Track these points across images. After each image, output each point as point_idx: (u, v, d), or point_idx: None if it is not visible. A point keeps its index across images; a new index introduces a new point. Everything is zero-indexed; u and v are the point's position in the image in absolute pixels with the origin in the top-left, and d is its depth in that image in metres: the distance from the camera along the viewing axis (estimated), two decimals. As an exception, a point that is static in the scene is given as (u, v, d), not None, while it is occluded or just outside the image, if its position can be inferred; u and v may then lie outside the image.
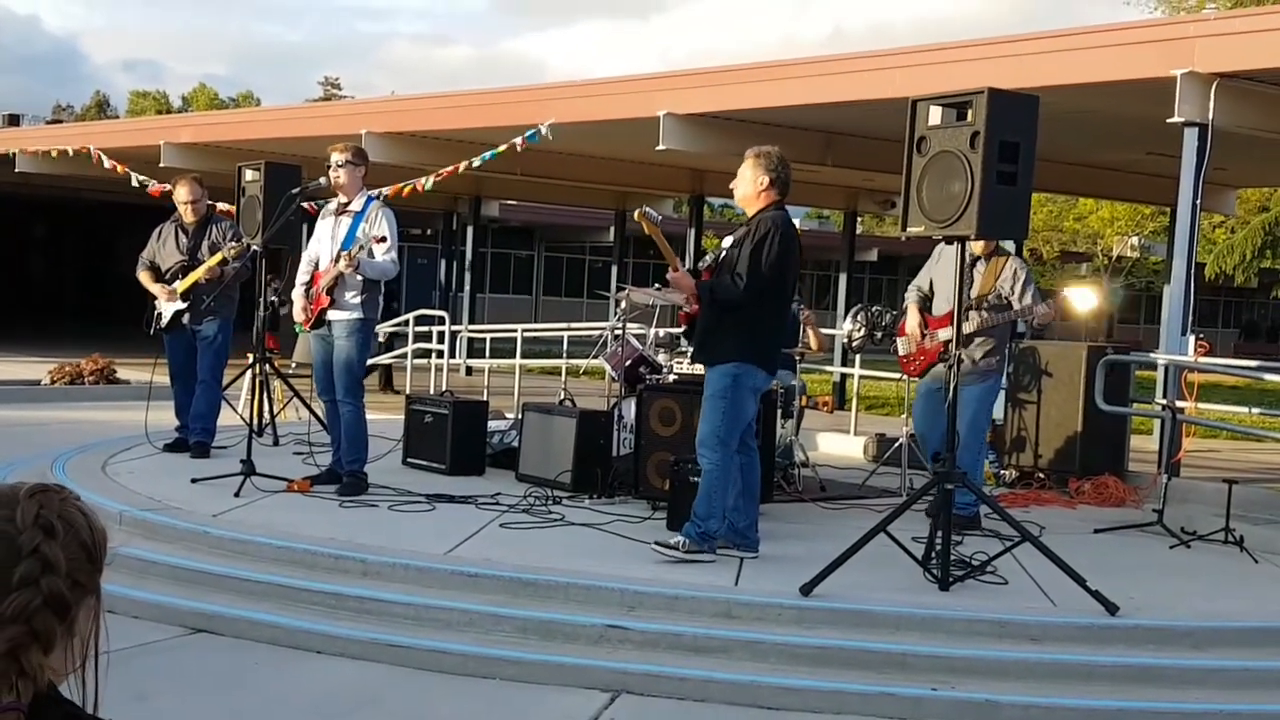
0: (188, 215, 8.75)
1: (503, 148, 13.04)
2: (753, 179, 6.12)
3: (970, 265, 7.17)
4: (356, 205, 7.50)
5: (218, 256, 8.47)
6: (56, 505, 1.60)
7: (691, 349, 6.71)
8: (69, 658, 1.59)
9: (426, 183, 14.05)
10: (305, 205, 7.82)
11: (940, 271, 7.57)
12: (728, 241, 6.23)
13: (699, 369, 6.54)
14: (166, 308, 8.65)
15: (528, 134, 12.72)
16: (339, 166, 7.44)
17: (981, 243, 7.13)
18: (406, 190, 14.22)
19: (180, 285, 8.60)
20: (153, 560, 6.08)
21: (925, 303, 7.69)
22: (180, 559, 6.13)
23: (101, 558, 1.63)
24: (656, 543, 6.09)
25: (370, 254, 7.25)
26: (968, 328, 7.04)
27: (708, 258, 6.47)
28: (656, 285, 8.55)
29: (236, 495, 7.13)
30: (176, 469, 8.00)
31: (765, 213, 6.09)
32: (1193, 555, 7.01)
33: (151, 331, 8.75)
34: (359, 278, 7.34)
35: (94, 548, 1.62)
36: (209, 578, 5.92)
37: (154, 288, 8.69)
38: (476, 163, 13.49)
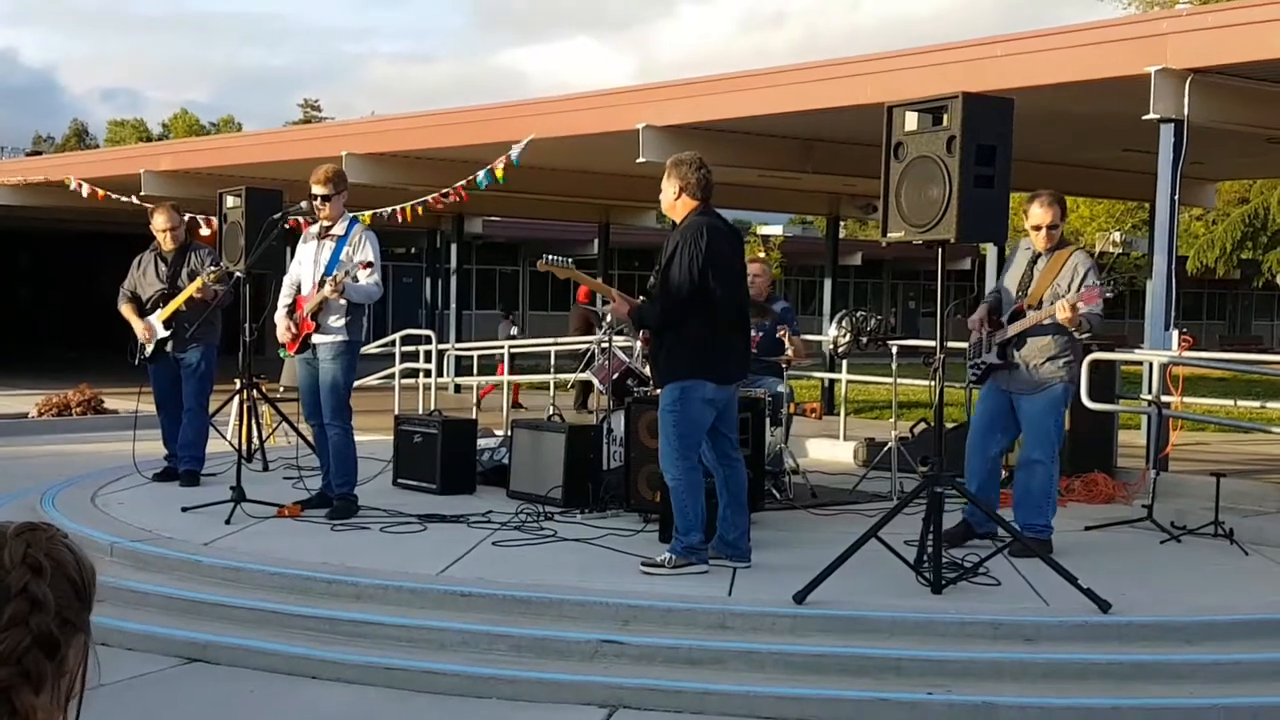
0: (166, 243, 8.76)
1: (497, 169, 13.00)
2: (667, 190, 6.16)
3: (1030, 263, 6.83)
4: (339, 229, 7.51)
5: (196, 283, 8.48)
6: (44, 543, 1.60)
7: None
8: (58, 697, 1.59)
9: (420, 204, 14.11)
10: (301, 220, 7.78)
11: (1009, 272, 7.01)
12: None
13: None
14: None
15: (512, 156, 12.71)
16: (325, 200, 7.42)
17: (1043, 236, 6.75)
18: (407, 211, 14.26)
19: (161, 314, 8.61)
20: (145, 591, 6.06)
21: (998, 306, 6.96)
22: (172, 589, 6.11)
23: (90, 595, 1.64)
24: (643, 562, 6.10)
25: (355, 279, 7.27)
26: (1013, 330, 6.70)
27: (652, 277, 6.42)
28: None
29: (227, 522, 7.12)
30: (166, 498, 7.98)
31: (684, 222, 6.10)
32: (1183, 550, 7.03)
33: (136, 362, 8.75)
34: (343, 301, 7.35)
35: (83, 585, 1.62)
36: (202, 607, 5.90)
37: (135, 322, 8.69)
38: (480, 181, 13.41)
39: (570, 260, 6.52)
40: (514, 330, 19.08)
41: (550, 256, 6.43)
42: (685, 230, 6.03)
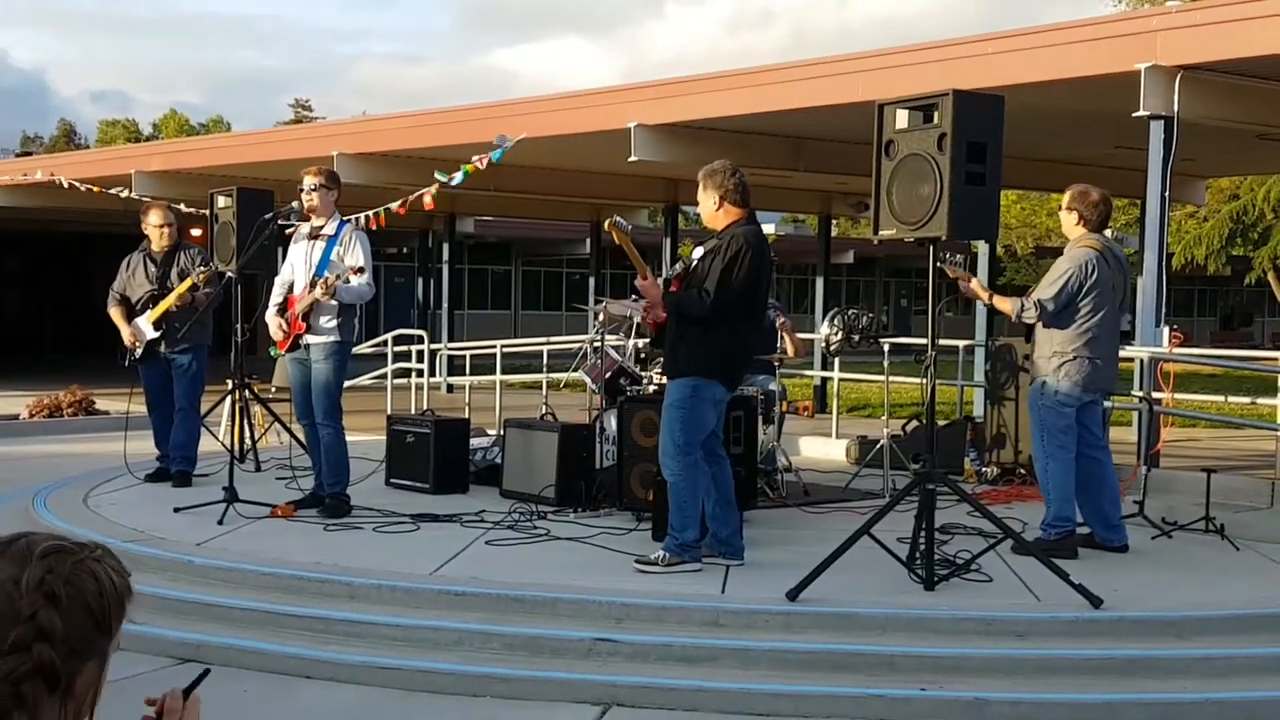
0: (160, 240, 8.74)
1: (469, 166, 12.91)
2: (706, 201, 6.17)
3: None
4: (330, 229, 7.52)
5: (186, 283, 8.47)
6: (66, 569, 1.56)
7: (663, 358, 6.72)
8: (63, 718, 1.56)
9: (395, 205, 13.98)
10: (283, 225, 7.79)
11: None
12: (698, 252, 6.23)
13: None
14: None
15: (492, 154, 12.64)
16: (312, 190, 7.45)
17: (1070, 228, 6.82)
18: (382, 217, 14.10)
19: (151, 314, 8.59)
20: (137, 591, 6.01)
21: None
22: (165, 589, 6.09)
23: (111, 621, 1.59)
24: (637, 560, 6.11)
25: (346, 281, 7.28)
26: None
27: (677, 266, 6.45)
28: (634, 296, 8.58)
29: (220, 523, 7.11)
30: (159, 499, 7.97)
31: (736, 228, 6.09)
32: (1174, 545, 7.04)
33: (126, 363, 8.72)
34: (334, 302, 7.35)
35: (101, 613, 1.57)
36: (195, 607, 5.90)
37: (122, 327, 8.66)
38: (455, 180, 13.31)
39: (630, 227, 6.53)
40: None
41: (619, 220, 6.45)
42: (748, 237, 6.03)
